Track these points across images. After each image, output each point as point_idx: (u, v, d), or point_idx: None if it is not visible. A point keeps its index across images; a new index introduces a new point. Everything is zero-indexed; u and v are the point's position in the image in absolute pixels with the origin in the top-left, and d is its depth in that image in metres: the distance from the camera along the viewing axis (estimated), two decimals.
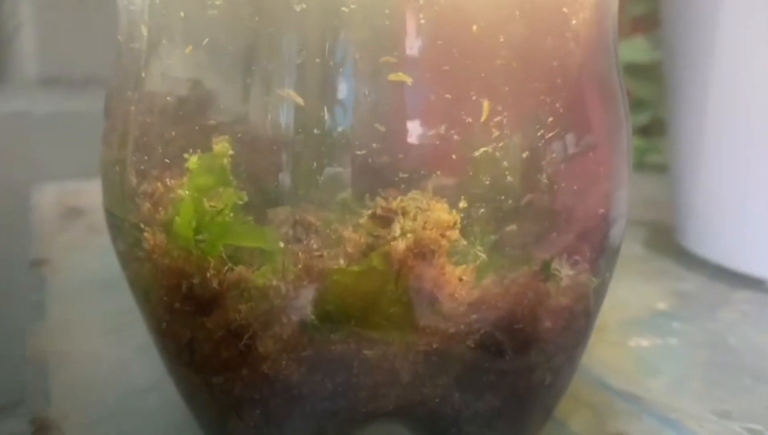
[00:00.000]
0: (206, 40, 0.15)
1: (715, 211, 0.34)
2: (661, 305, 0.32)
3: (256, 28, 0.14)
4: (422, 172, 0.14)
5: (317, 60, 0.14)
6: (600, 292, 0.18)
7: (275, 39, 0.14)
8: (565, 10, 0.15)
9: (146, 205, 0.16)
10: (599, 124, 0.16)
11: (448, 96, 0.14)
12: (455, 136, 0.14)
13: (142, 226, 0.16)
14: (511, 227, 0.15)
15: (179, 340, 0.16)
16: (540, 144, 0.15)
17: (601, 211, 0.17)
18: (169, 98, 0.15)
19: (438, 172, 0.14)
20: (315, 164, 0.15)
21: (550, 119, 0.15)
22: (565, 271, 0.16)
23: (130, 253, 0.17)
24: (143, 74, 0.16)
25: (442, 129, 0.14)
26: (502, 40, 0.14)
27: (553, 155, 0.15)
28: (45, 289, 0.32)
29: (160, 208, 0.16)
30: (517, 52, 0.14)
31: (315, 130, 0.14)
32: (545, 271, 0.16)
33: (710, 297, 0.32)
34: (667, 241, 0.38)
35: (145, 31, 0.16)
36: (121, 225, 0.17)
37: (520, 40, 0.14)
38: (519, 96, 0.15)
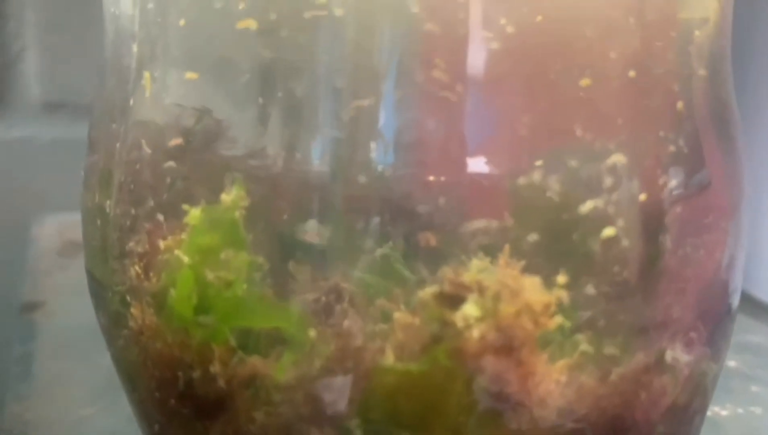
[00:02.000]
0: (214, 57, 0.11)
1: None
2: (732, 363, 0.28)
3: (281, 41, 0.11)
4: (504, 235, 0.10)
5: (362, 81, 0.11)
6: (716, 381, 0.14)
7: (307, 55, 0.11)
8: (687, 17, 0.11)
9: (133, 270, 0.12)
10: (723, 170, 0.12)
11: (540, 131, 0.10)
12: (554, 185, 0.10)
13: (128, 297, 0.12)
14: (626, 307, 0.11)
15: None
16: (663, 195, 0.11)
17: (724, 278, 0.13)
18: (163, 132, 0.12)
19: (529, 236, 0.10)
20: (356, 215, 0.11)
21: (674, 163, 0.11)
22: (682, 359, 0.12)
23: (114, 329, 0.13)
24: (131, 102, 0.12)
25: (535, 176, 0.10)
26: (613, 56, 0.11)
27: (678, 210, 0.11)
28: (35, 337, 0.29)
29: (151, 275, 0.12)
30: (632, 71, 0.11)
31: (359, 172, 0.11)
32: (660, 362, 0.12)
33: None
34: None
35: (135, 48, 0.12)
36: (104, 293, 0.13)
37: (636, 56, 0.11)
38: (636, 131, 0.11)
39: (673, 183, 0.11)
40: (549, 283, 0.11)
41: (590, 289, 0.11)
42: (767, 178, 0.30)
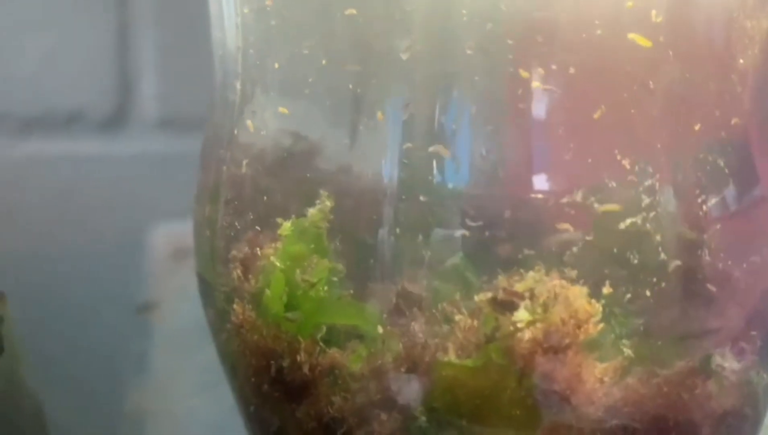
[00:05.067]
0: (304, 94, 0.13)
1: None
2: None
3: (358, 80, 0.13)
4: (553, 248, 0.12)
5: (427, 114, 0.12)
6: None
7: (379, 91, 0.12)
8: (731, 47, 0.12)
9: (236, 274, 0.14)
10: None
11: (585, 155, 0.12)
12: (594, 204, 0.12)
13: (232, 295, 0.15)
14: (665, 315, 0.12)
15: (267, 426, 0.15)
16: (700, 212, 0.12)
17: None
18: (261, 157, 0.14)
19: (573, 249, 0.12)
20: (423, 226, 0.12)
21: (713, 182, 0.12)
22: (729, 366, 0.13)
23: (219, 323, 0.15)
24: (236, 131, 0.14)
25: (579, 195, 0.12)
26: (652, 86, 0.12)
27: (717, 226, 0.12)
28: (150, 336, 0.32)
29: (250, 278, 0.14)
30: (671, 100, 0.12)
31: (421, 193, 0.12)
32: (705, 367, 0.13)
33: None
34: None
35: (238, 85, 0.14)
36: (211, 292, 0.16)
37: (674, 87, 0.12)
38: (674, 154, 0.12)
39: (713, 200, 0.12)
40: (595, 293, 0.12)
41: (632, 299, 0.12)
42: None
